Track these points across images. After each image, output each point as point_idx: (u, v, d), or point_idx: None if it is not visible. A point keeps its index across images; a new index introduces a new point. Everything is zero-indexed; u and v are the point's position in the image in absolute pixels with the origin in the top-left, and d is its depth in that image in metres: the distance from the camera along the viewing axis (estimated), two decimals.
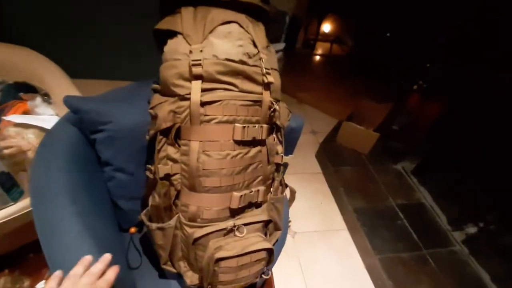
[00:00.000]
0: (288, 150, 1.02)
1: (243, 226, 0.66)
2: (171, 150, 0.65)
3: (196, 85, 0.61)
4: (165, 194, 0.66)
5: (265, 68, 0.66)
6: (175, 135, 0.64)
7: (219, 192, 0.65)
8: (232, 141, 0.64)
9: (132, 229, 0.86)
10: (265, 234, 0.74)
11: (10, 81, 1.19)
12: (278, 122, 0.73)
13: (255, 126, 0.66)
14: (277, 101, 0.72)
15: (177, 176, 0.66)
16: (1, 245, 0.96)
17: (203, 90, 0.61)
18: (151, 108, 0.66)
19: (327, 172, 1.86)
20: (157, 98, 0.66)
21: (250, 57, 0.65)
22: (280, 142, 0.78)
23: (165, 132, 0.64)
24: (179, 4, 0.67)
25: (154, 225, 0.67)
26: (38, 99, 1.08)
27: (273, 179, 0.77)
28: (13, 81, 1.20)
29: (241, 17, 0.67)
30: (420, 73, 1.97)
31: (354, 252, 1.46)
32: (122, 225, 0.86)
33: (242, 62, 0.63)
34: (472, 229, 1.52)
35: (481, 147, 1.59)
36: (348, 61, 3.35)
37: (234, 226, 0.66)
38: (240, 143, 0.65)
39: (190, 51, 0.61)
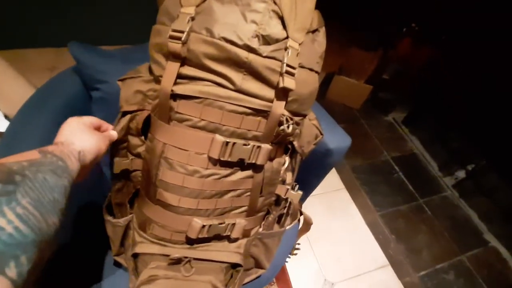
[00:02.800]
0: (309, 181, 0.80)
1: (193, 262, 0.52)
2: (135, 141, 0.50)
3: (172, 67, 0.42)
4: (118, 190, 0.54)
5: (287, 65, 0.42)
6: (144, 123, 0.48)
7: (175, 212, 0.50)
8: (206, 156, 0.46)
9: None
10: (231, 277, 0.58)
11: None
12: (295, 144, 0.55)
13: (248, 145, 0.46)
14: (301, 116, 0.52)
15: (138, 173, 0.53)
16: None
17: (182, 77, 0.43)
18: (121, 80, 0.49)
19: None
20: (136, 70, 0.50)
21: (266, 43, 0.42)
22: (292, 170, 0.60)
23: (132, 113, 0.49)
24: None
25: (105, 216, 0.56)
26: None
27: (268, 212, 0.61)
28: None
29: None
30: (412, 14, 1.82)
31: (355, 211, 1.48)
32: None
33: (249, 48, 0.41)
34: (461, 173, 1.59)
35: (469, 93, 1.57)
36: (333, 7, 3.05)
37: (183, 259, 0.51)
38: (217, 162, 0.47)
39: (178, 15, 0.41)
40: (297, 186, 0.66)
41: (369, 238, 1.38)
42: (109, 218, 0.56)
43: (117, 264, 0.64)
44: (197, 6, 0.41)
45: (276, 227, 0.65)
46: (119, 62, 0.67)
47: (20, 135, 0.58)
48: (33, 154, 0.31)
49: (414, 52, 1.76)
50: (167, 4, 0.45)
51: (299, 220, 0.76)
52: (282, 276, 1.16)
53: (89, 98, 0.71)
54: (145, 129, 0.50)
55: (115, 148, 0.51)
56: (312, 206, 1.46)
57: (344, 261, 1.28)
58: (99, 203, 0.57)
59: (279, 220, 0.66)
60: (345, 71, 1.83)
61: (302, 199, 0.88)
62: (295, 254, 1.04)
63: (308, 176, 0.81)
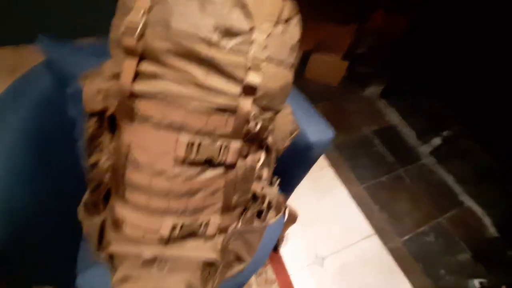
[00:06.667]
0: (295, 174, 0.79)
1: (168, 261, 0.51)
2: (106, 138, 0.49)
3: (129, 64, 0.40)
4: (93, 189, 0.53)
5: (253, 59, 0.40)
6: (111, 119, 0.46)
7: (146, 212, 0.48)
8: (172, 156, 0.44)
9: None
10: (208, 274, 0.57)
11: None
12: (269, 141, 0.53)
13: (215, 144, 0.44)
14: (273, 111, 0.50)
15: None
16: None
17: (141, 73, 0.40)
18: (83, 77, 0.47)
19: None
20: (98, 67, 0.47)
21: (229, 36, 0.40)
22: (268, 166, 0.58)
23: (99, 113, 0.47)
24: None
25: (79, 215, 0.55)
26: None
27: (245, 209, 0.60)
28: None
29: None
30: None
31: (340, 186, 1.52)
32: None
33: (209, 42, 0.39)
34: (437, 140, 1.66)
35: (443, 60, 1.61)
36: None
37: (156, 258, 0.50)
38: (184, 162, 0.45)
39: (133, 7, 0.38)
40: (278, 180, 0.65)
41: (355, 210, 1.43)
42: (84, 216, 0.54)
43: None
44: None
45: (257, 222, 0.64)
46: (92, 56, 0.63)
47: None
48: None
49: (388, 23, 1.76)
50: None
51: (284, 213, 0.76)
52: (275, 256, 1.19)
53: (63, 94, 0.67)
54: (115, 126, 0.48)
55: (91, 145, 0.49)
56: (299, 188, 1.48)
57: (332, 235, 1.32)
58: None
59: (260, 215, 0.65)
60: (320, 47, 1.80)
61: (289, 192, 0.88)
62: (282, 245, 1.05)
63: (293, 170, 0.81)
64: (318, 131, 0.70)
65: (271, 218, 0.73)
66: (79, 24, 1.61)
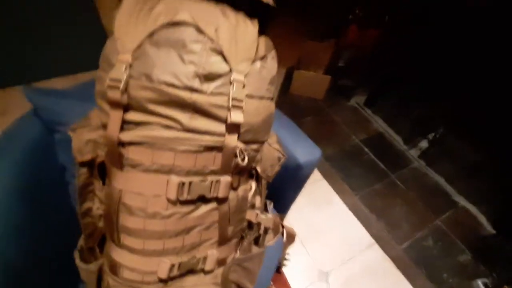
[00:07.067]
0: (288, 195, 0.81)
1: None
2: (96, 185, 0.51)
3: (115, 115, 0.42)
4: (89, 235, 0.54)
5: (233, 99, 0.42)
6: (101, 167, 0.48)
7: (142, 255, 0.49)
8: (164, 197, 0.45)
9: None
10: None
11: None
12: (258, 169, 0.55)
13: (206, 181, 0.46)
14: (259, 143, 0.52)
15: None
16: None
17: (128, 123, 0.42)
18: (71, 130, 0.49)
19: None
20: (86, 117, 0.50)
21: (209, 80, 0.42)
22: (260, 194, 0.60)
23: (89, 163, 0.49)
24: None
25: (77, 262, 0.55)
26: None
27: (242, 238, 0.61)
28: None
29: (214, 12, 0.43)
30: (354, 1, 1.90)
31: (336, 198, 1.53)
32: None
33: (190, 89, 0.41)
34: (424, 143, 1.70)
35: (419, 65, 1.68)
36: (281, 3, 3.11)
37: None
38: (177, 201, 0.46)
39: (115, 63, 0.41)
40: (272, 204, 0.67)
41: (353, 221, 1.44)
42: (80, 264, 0.54)
43: None
44: (134, 51, 0.40)
45: (254, 249, 0.65)
46: (77, 101, 0.66)
47: None
48: None
49: (362, 36, 1.85)
50: (107, 49, 0.44)
51: (282, 233, 0.77)
52: (278, 277, 1.17)
53: (52, 141, 0.68)
54: (105, 173, 0.49)
55: (83, 193, 0.50)
56: (294, 204, 1.48)
57: (334, 249, 1.32)
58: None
59: (257, 241, 0.66)
60: (303, 64, 1.87)
61: (284, 212, 0.89)
62: (285, 265, 1.05)
63: (286, 191, 0.83)
64: (306, 152, 0.73)
65: (269, 240, 0.74)
66: (64, 62, 1.64)
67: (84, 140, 0.47)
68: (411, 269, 1.19)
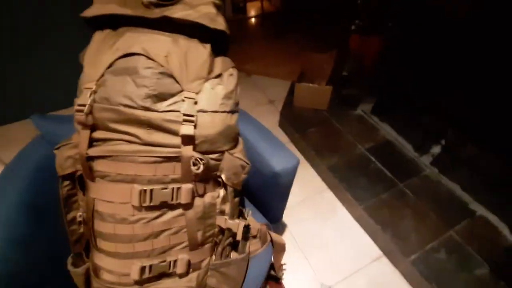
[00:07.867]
0: (274, 205, 0.84)
1: None
2: (79, 196, 0.59)
3: (84, 134, 0.51)
4: (75, 241, 0.61)
5: (185, 114, 0.49)
6: (81, 179, 0.56)
7: (116, 258, 0.55)
8: (130, 204, 0.52)
9: None
10: None
11: None
12: (223, 177, 0.59)
13: (167, 188, 0.52)
14: (218, 153, 0.57)
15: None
16: None
17: (96, 140, 0.51)
18: (56, 148, 0.57)
19: (294, 139, 1.83)
20: (68, 137, 0.58)
21: (162, 100, 0.49)
22: (229, 201, 0.63)
23: (70, 176, 0.57)
24: (94, 26, 0.53)
25: (68, 266, 0.61)
26: None
27: (216, 243, 0.64)
28: None
29: (165, 42, 0.50)
30: (354, 11, 1.92)
31: (341, 209, 1.50)
32: None
33: (144, 108, 0.49)
34: (436, 149, 1.62)
35: (425, 71, 1.63)
36: (281, 18, 3.24)
37: None
38: (141, 208, 0.52)
39: (82, 91, 0.50)
40: (250, 212, 0.70)
41: (359, 232, 1.39)
42: (70, 267, 0.61)
43: None
44: (97, 80, 0.49)
45: (234, 255, 0.67)
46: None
47: None
48: None
49: (364, 45, 1.84)
50: (79, 80, 0.53)
51: (272, 242, 0.78)
52: None
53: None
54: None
55: (67, 203, 0.58)
56: (299, 214, 1.48)
57: (338, 261, 1.28)
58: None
59: (236, 248, 0.69)
60: (306, 76, 1.90)
61: (276, 221, 0.91)
62: (282, 275, 1.05)
63: (272, 201, 0.85)
64: (282, 160, 0.75)
65: (257, 249, 0.76)
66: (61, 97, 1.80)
67: (64, 157, 0.54)
68: (422, 284, 1.12)
